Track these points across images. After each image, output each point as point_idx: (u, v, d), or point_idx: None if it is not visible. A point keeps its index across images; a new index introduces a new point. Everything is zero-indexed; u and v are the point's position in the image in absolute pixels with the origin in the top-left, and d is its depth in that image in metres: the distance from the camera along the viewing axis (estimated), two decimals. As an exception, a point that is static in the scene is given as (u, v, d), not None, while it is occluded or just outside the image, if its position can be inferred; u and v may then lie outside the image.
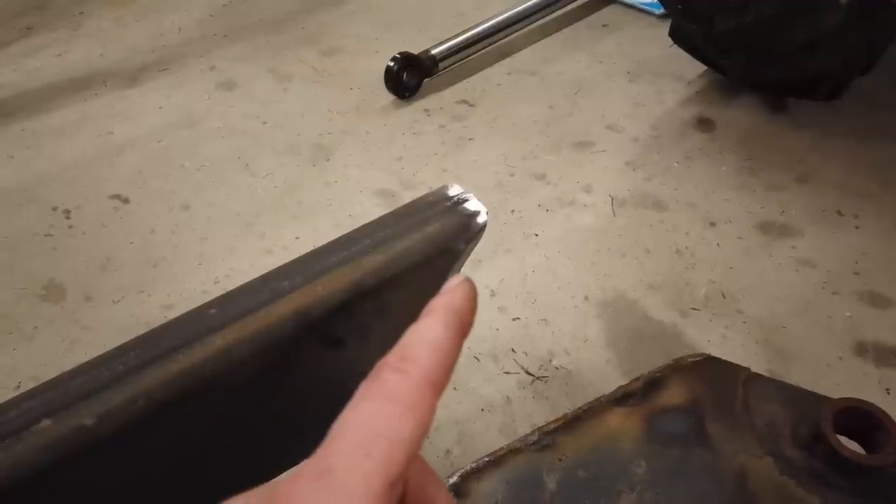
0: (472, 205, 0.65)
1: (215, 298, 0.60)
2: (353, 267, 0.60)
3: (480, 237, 0.66)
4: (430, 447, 0.86)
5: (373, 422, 0.26)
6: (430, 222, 0.63)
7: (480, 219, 0.65)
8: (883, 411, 0.48)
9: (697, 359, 0.55)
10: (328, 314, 0.59)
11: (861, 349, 0.97)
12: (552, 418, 0.88)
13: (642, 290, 1.07)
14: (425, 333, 0.29)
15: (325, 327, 0.60)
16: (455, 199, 0.65)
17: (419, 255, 0.62)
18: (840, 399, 0.50)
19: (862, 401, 0.49)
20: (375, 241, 0.61)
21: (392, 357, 0.29)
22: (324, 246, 0.62)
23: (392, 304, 0.64)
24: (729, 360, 0.96)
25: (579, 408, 0.53)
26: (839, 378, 0.93)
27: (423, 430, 0.26)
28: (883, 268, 1.08)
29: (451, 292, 0.32)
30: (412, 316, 0.72)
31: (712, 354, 0.56)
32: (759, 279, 1.08)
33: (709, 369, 0.54)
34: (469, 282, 0.33)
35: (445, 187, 0.65)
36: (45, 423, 0.48)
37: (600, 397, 0.54)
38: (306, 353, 0.60)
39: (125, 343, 0.58)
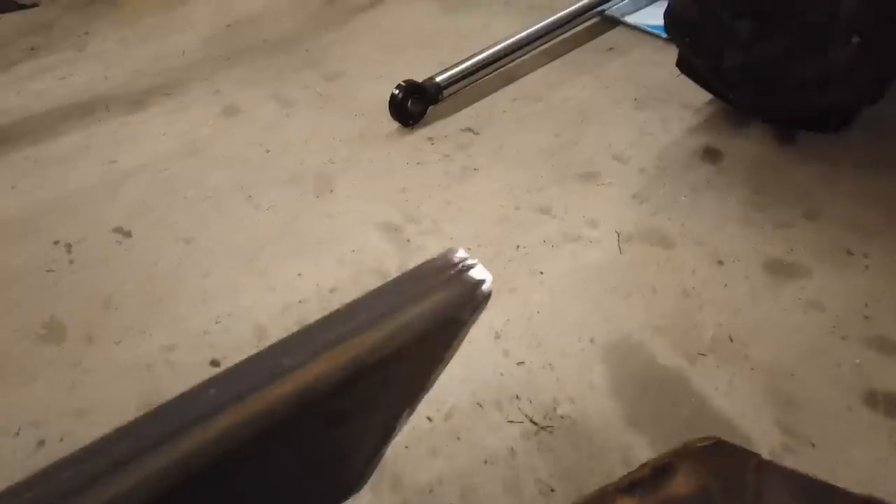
0: (477, 272, 0.63)
1: (214, 377, 0.59)
2: (356, 342, 0.59)
3: (485, 306, 0.65)
4: (433, 502, 0.85)
5: None
6: (435, 292, 0.62)
7: (485, 287, 0.63)
8: (897, 510, 0.47)
9: (707, 443, 0.54)
10: (330, 392, 0.57)
11: (871, 399, 0.96)
12: (555, 472, 0.87)
13: (649, 332, 1.06)
14: None
15: (327, 404, 0.59)
16: (460, 266, 0.64)
17: (422, 329, 0.61)
18: (851, 496, 0.49)
19: (875, 499, 0.48)
20: (378, 314, 0.60)
21: None
22: (325, 318, 0.61)
23: (394, 377, 0.63)
24: (736, 408, 0.94)
25: (584, 496, 0.52)
26: (848, 430, 0.92)
27: None
28: (893, 311, 1.07)
29: None
30: (413, 385, 0.71)
31: (722, 438, 0.55)
32: (767, 322, 1.06)
33: (719, 455, 0.53)
34: None
35: (451, 252, 0.64)
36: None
37: (607, 485, 0.53)
38: (308, 431, 0.59)
39: (116, 430, 0.56)
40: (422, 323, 0.60)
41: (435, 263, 0.63)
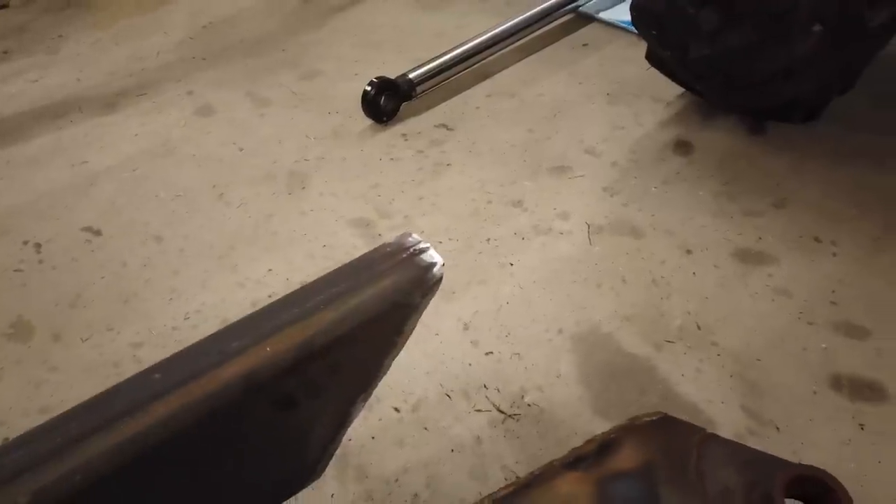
0: (429, 256, 0.63)
1: (161, 361, 0.59)
2: (304, 326, 0.59)
3: (437, 290, 0.65)
4: (399, 491, 0.85)
5: None
6: (385, 275, 0.62)
7: (437, 271, 0.63)
8: (834, 478, 0.47)
9: (653, 418, 0.54)
10: (278, 375, 0.57)
11: (836, 383, 0.96)
12: (521, 459, 0.87)
13: (617, 321, 1.06)
14: None
15: (275, 388, 0.59)
16: (412, 250, 0.64)
17: (372, 312, 0.61)
18: (792, 466, 0.49)
19: (813, 468, 0.48)
20: (327, 297, 0.60)
21: None
22: (275, 302, 0.61)
23: (345, 361, 0.63)
24: (703, 394, 0.95)
25: (530, 473, 0.52)
26: (813, 413, 0.92)
27: None
28: (860, 297, 1.08)
29: None
30: (366, 371, 0.70)
31: (668, 414, 0.55)
32: (735, 310, 1.07)
33: (664, 430, 0.53)
34: None
35: (404, 236, 0.64)
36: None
37: (552, 461, 0.53)
38: (256, 415, 0.59)
39: (67, 411, 0.56)
40: (371, 306, 0.60)
41: (386, 248, 0.63)
